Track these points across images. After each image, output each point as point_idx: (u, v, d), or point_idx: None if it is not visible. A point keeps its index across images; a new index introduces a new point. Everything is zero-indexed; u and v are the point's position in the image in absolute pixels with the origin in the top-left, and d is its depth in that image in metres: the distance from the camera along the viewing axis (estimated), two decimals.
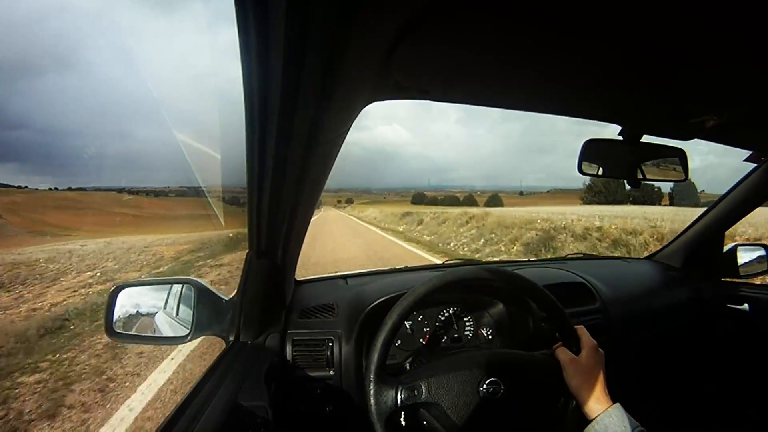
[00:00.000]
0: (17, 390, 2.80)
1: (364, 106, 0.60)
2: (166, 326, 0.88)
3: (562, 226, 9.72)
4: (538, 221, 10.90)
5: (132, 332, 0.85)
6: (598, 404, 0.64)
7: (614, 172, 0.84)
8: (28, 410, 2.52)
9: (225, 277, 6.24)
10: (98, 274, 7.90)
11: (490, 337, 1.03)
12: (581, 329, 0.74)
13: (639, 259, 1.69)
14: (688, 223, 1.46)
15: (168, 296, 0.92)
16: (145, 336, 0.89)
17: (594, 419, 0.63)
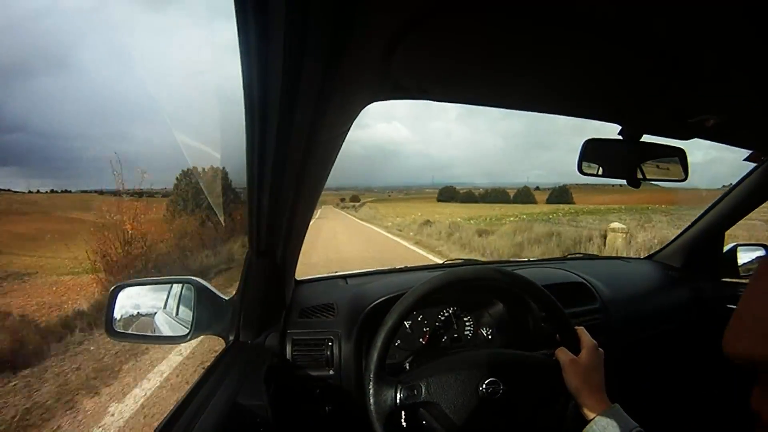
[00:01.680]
0: None
1: (364, 106, 0.60)
2: (165, 326, 0.89)
3: None
4: None
5: (132, 331, 0.85)
6: (597, 405, 0.64)
7: (614, 171, 0.84)
8: None
9: None
10: None
11: (489, 336, 1.03)
12: (581, 330, 0.74)
13: (639, 259, 1.69)
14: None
15: (168, 296, 0.92)
16: (144, 335, 0.89)
17: (592, 420, 0.63)
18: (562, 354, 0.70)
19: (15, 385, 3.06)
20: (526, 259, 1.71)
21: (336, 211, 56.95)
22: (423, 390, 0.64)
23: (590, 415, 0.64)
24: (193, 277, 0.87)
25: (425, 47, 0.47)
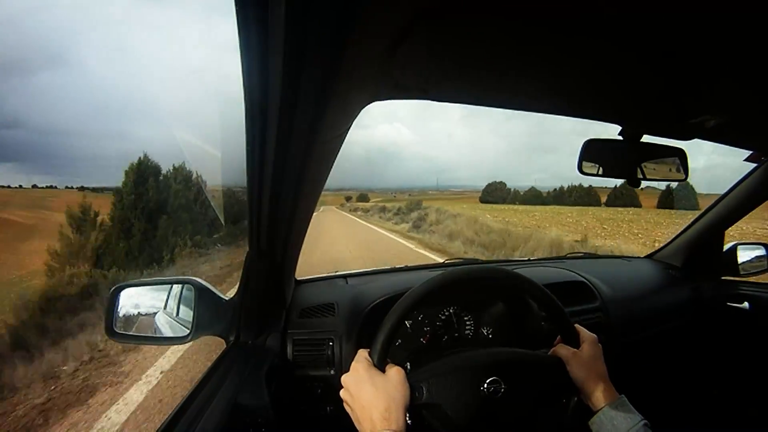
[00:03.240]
0: None
1: (364, 106, 0.60)
2: (166, 326, 0.88)
3: None
4: None
5: (132, 332, 0.85)
6: (604, 395, 0.65)
7: (614, 171, 0.84)
8: None
9: None
10: None
11: (490, 336, 1.03)
12: (577, 326, 0.75)
13: (639, 258, 1.69)
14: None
15: (168, 296, 0.92)
16: (145, 336, 0.89)
17: (600, 410, 0.64)
18: (563, 349, 0.70)
19: None
20: (526, 258, 1.71)
21: (343, 215, 32.80)
22: (424, 391, 0.64)
23: (598, 405, 0.65)
24: (193, 278, 0.87)
25: (426, 47, 0.47)
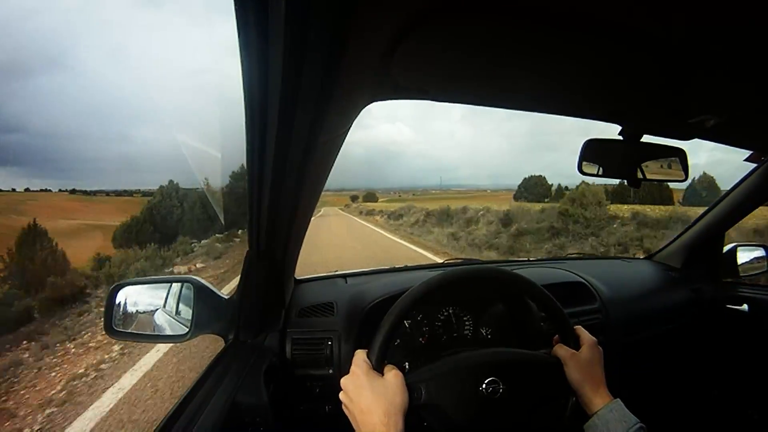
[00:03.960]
0: None
1: (364, 106, 0.60)
2: (165, 325, 0.89)
3: None
4: None
5: (131, 330, 0.86)
6: (600, 398, 0.65)
7: (614, 171, 0.84)
8: None
9: None
10: None
11: (489, 336, 1.03)
12: (579, 328, 0.74)
13: (639, 259, 1.69)
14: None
15: (167, 295, 0.92)
16: (144, 334, 0.89)
17: (595, 413, 0.64)
18: (562, 350, 0.70)
19: None
20: (525, 259, 1.71)
21: (355, 222, 23.37)
22: (423, 392, 0.64)
23: (593, 408, 0.65)
24: (192, 276, 0.88)
25: (425, 47, 0.47)
